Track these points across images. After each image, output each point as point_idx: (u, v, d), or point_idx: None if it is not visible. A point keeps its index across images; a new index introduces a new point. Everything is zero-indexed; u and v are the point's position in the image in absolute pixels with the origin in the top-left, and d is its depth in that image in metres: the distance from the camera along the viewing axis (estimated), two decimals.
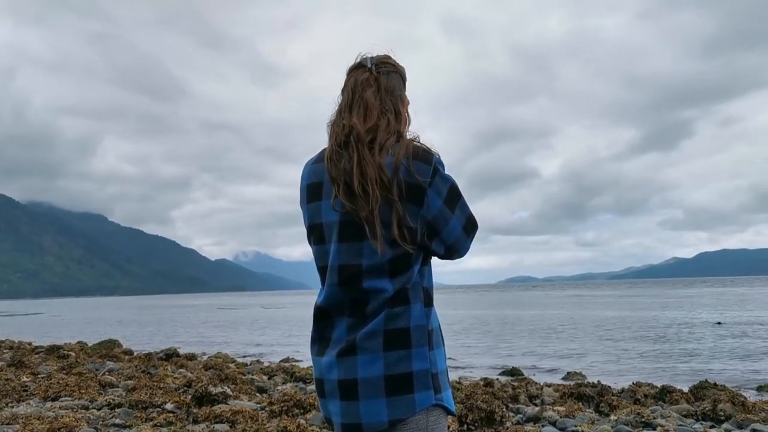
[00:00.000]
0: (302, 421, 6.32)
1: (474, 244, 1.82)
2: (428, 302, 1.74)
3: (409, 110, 1.85)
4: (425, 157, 1.69)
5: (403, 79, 1.86)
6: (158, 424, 6.37)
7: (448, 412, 1.74)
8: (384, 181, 1.64)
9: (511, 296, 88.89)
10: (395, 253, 1.66)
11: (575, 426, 6.64)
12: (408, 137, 1.76)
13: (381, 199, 1.63)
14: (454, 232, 1.74)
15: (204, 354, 17.33)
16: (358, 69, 1.81)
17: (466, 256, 1.84)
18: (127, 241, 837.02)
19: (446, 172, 1.73)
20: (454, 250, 1.78)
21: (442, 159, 1.73)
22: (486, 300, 74.24)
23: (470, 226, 1.79)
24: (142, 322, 41.97)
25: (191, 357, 14.97)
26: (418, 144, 1.73)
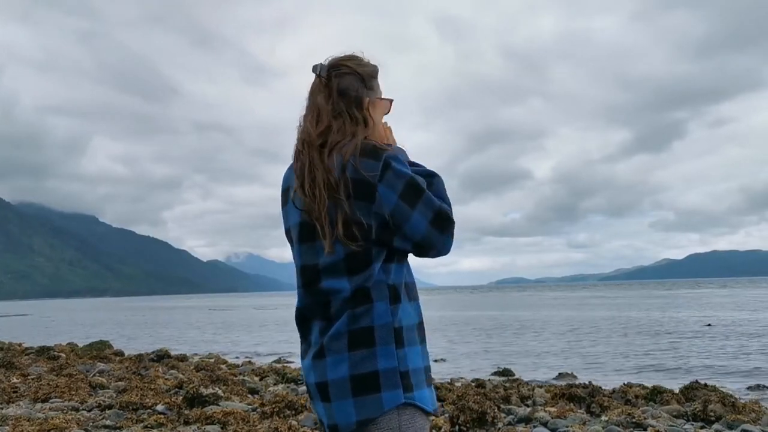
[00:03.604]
0: (294, 423, 6.31)
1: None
2: (395, 299, 1.69)
3: (371, 109, 1.80)
4: (373, 154, 1.68)
5: (364, 79, 1.81)
6: (149, 425, 6.34)
7: (425, 411, 1.70)
8: (331, 182, 1.66)
9: (502, 297, 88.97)
10: (349, 251, 1.66)
11: (567, 427, 6.66)
12: (361, 137, 1.73)
13: (328, 200, 1.66)
14: (419, 227, 1.67)
15: (195, 355, 17.28)
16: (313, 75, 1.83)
17: (448, 254, 1.77)
18: (118, 242, 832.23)
19: (404, 167, 1.68)
20: (427, 247, 1.71)
21: (425, 158, 1.73)
22: (478, 301, 74.30)
23: (440, 221, 1.69)
24: (134, 324, 41.77)
25: (182, 358, 14.92)
26: (369, 141, 1.72)
